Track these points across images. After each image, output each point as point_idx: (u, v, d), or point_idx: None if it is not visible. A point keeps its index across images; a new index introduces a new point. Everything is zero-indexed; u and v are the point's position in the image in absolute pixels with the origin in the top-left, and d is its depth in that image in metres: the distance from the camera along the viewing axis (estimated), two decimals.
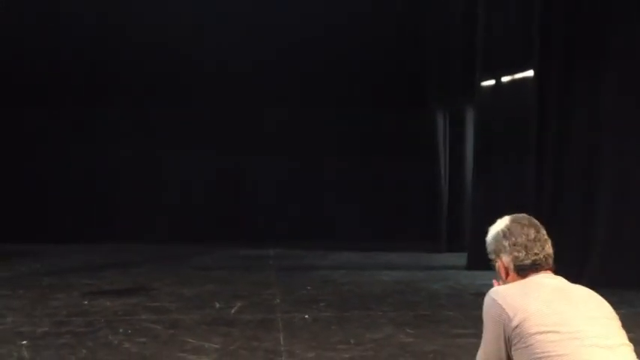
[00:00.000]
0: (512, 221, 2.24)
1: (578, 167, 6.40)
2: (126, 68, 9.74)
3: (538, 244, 2.18)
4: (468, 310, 5.36)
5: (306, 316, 5.20)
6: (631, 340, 2.09)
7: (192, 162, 9.99)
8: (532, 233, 2.20)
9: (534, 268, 2.17)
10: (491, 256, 2.29)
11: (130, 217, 9.79)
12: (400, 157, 10.00)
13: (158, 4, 9.55)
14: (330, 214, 9.97)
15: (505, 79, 7.59)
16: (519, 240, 2.18)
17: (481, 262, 2.58)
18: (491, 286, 2.36)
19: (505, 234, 2.23)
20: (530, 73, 6.93)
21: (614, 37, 6.29)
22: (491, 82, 7.70)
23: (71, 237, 9.35)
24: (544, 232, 2.24)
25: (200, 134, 9.99)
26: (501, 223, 2.27)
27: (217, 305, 5.61)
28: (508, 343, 2.07)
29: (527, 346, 2.01)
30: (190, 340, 4.50)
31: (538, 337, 1.99)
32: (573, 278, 2.29)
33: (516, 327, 2.04)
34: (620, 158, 6.27)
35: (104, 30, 9.67)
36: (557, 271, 2.31)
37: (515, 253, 2.18)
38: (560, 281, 2.21)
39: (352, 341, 4.50)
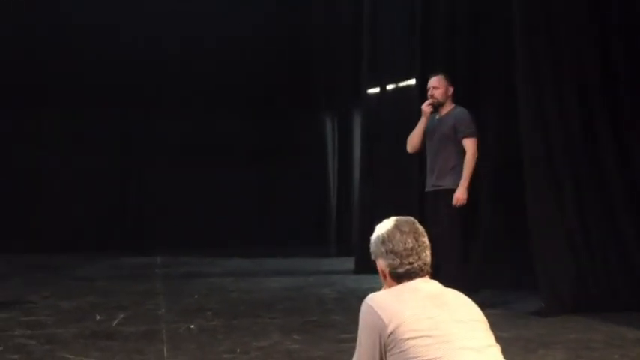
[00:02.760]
0: (394, 227, 2.27)
1: None
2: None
3: (414, 252, 2.21)
4: (354, 314, 5.35)
5: (192, 326, 5.09)
6: (504, 338, 2.18)
7: (74, 167, 9.58)
8: (410, 242, 2.22)
9: (408, 276, 2.21)
10: (373, 257, 2.32)
11: (5, 225, 9.24)
12: (289, 162, 10.03)
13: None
14: (219, 219, 9.85)
15: (390, 86, 7.78)
16: (396, 248, 2.21)
17: (368, 265, 2.62)
18: (376, 289, 2.39)
19: (384, 239, 2.26)
20: (412, 81, 7.13)
21: (491, 48, 6.58)
22: (377, 89, 7.88)
23: None
24: (424, 238, 2.27)
25: (82, 139, 9.62)
26: (384, 227, 2.29)
27: (98, 317, 5.39)
28: (384, 350, 2.09)
29: (401, 352, 2.04)
30: (67, 356, 4.29)
31: (411, 342, 2.03)
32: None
33: (392, 333, 2.07)
34: (498, 164, 6.55)
35: None
36: (433, 275, 2.36)
37: (390, 261, 2.21)
38: (434, 286, 2.27)
39: (238, 350, 4.44)
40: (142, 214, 9.92)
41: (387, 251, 2.21)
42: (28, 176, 9.55)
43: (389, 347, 2.06)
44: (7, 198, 9.39)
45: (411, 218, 2.32)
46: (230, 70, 9.80)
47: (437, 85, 5.66)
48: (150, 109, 9.78)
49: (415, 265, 2.20)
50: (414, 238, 2.22)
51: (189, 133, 9.90)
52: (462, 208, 5.46)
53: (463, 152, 5.52)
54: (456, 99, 5.80)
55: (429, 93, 5.69)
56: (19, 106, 9.36)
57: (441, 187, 5.57)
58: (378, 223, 2.39)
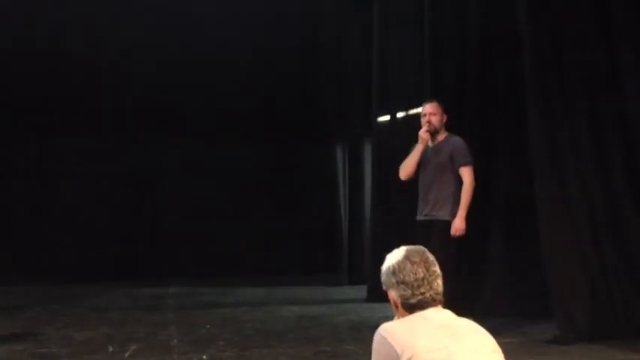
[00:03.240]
0: (404, 257, 2.26)
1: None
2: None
3: (425, 283, 2.21)
4: (367, 344, 5.33)
5: (204, 357, 5.06)
6: None
7: (85, 196, 9.63)
8: (421, 272, 2.22)
9: (420, 306, 2.20)
10: (384, 288, 2.32)
11: (15, 255, 9.27)
12: (300, 190, 10.05)
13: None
14: (231, 249, 9.85)
15: (400, 114, 7.80)
16: (407, 279, 2.20)
17: (380, 294, 2.60)
18: (389, 318, 2.38)
19: (394, 270, 2.26)
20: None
21: (501, 73, 6.61)
22: (387, 117, 7.90)
23: None
24: (435, 268, 2.27)
25: (92, 167, 9.67)
26: (394, 257, 2.29)
27: (110, 349, 5.38)
28: None
29: None
30: None
31: None
32: (468, 306, 2.33)
33: None
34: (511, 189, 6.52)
35: None
36: (445, 304, 2.35)
37: (402, 292, 2.21)
38: (447, 316, 2.25)
39: None
40: (154, 243, 9.93)
41: (397, 282, 2.21)
42: (40, 206, 9.60)
43: None
44: (19, 228, 9.43)
45: (422, 247, 2.32)
46: (241, 98, 9.87)
47: (433, 111, 5.60)
48: (162, 137, 9.84)
49: (427, 295, 2.20)
50: (425, 267, 2.22)
51: (201, 162, 9.95)
52: (458, 239, 5.36)
53: (458, 181, 5.45)
54: (463, 126, 5.79)
55: (426, 119, 5.61)
56: (28, 132, 9.43)
57: (436, 218, 5.46)
58: (389, 252, 2.39)
